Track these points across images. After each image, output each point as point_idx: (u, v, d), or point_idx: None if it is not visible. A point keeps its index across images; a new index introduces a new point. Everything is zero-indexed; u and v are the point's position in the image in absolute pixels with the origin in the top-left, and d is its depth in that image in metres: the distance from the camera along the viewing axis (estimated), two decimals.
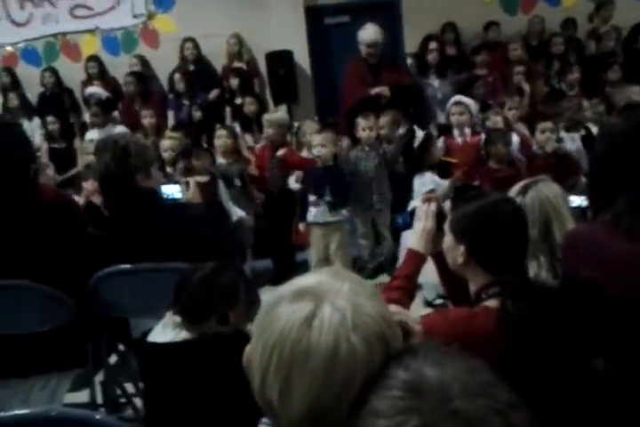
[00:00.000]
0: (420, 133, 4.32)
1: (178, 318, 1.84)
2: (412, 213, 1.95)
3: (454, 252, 1.63)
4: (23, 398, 2.11)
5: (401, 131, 4.58)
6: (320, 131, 4.36)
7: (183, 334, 1.83)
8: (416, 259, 1.83)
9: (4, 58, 7.18)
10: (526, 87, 5.44)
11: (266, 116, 4.84)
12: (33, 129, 6.17)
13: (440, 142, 4.40)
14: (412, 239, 1.86)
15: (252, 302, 1.88)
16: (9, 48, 7.19)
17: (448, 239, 1.66)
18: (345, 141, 4.74)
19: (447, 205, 1.88)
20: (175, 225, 2.42)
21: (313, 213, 4.05)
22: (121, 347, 2.48)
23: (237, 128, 5.45)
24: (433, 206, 1.87)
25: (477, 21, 6.31)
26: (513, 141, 4.21)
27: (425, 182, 3.89)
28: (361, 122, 4.33)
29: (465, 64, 5.95)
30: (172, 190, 2.87)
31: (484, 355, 1.45)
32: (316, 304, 0.86)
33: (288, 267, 4.42)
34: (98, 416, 1.16)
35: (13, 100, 6.37)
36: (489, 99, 5.42)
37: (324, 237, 4.10)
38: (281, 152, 4.44)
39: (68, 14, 7.08)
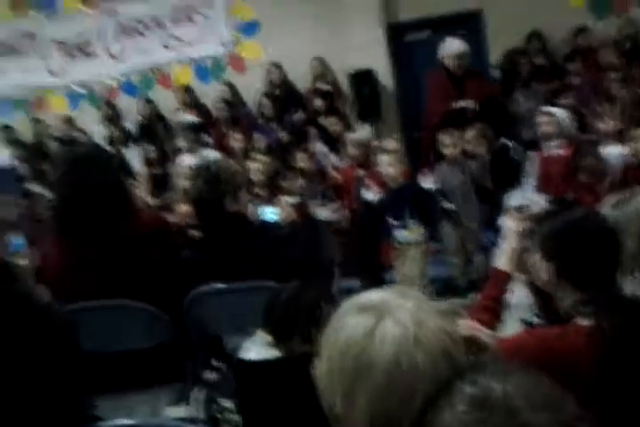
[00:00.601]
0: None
1: (269, 337, 1.91)
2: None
3: (542, 269, 1.60)
4: (127, 412, 2.22)
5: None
6: (386, 151, 4.31)
7: (273, 352, 1.90)
8: (502, 278, 1.82)
9: (104, 91, 7.64)
10: (621, 94, 5.20)
11: (349, 137, 4.90)
12: (133, 157, 6.54)
13: (531, 156, 4.28)
14: (498, 258, 1.85)
15: None
16: (109, 81, 7.65)
17: (535, 257, 1.64)
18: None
19: None
20: (263, 245, 2.51)
21: (395, 234, 4.03)
22: (217, 363, 2.57)
23: (322, 148, 5.55)
24: (520, 225, 1.85)
25: (564, 27, 6.14)
26: (615, 152, 4.02)
27: (517, 198, 3.79)
28: (444, 139, 4.30)
29: (556, 73, 5.78)
30: (269, 212, 2.98)
31: (574, 373, 1.43)
32: (378, 318, 0.90)
33: (376, 287, 4.41)
34: None
35: (113, 132, 6.76)
36: (581, 108, 5.22)
37: (403, 256, 4.10)
38: (361, 173, 4.46)
39: (161, 46, 7.47)
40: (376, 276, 4.55)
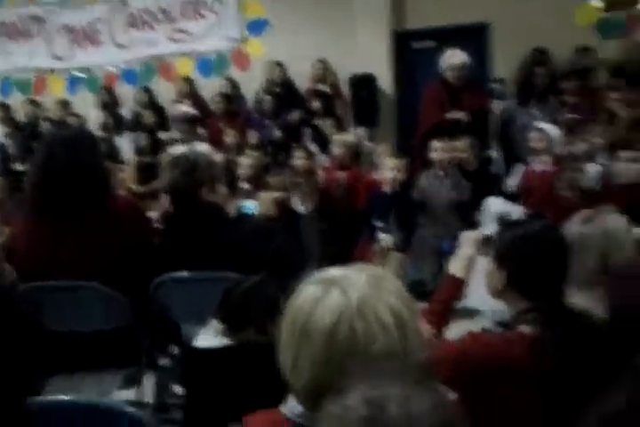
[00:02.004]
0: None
1: (220, 325, 1.91)
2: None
3: (494, 277, 1.64)
4: (76, 391, 2.22)
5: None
6: (395, 155, 4.37)
7: (224, 341, 1.89)
8: (454, 284, 1.84)
9: (106, 78, 7.67)
10: (622, 113, 5.19)
11: (335, 137, 4.93)
12: (125, 144, 6.55)
13: (520, 169, 4.30)
14: (452, 264, 1.88)
15: None
16: (111, 68, 7.67)
17: (489, 264, 1.67)
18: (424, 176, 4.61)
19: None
20: (234, 237, 2.50)
21: (379, 236, 4.05)
22: (174, 350, 2.57)
23: (314, 149, 5.55)
24: (477, 234, 1.88)
25: (570, 46, 6.15)
26: (593, 171, 4.04)
27: (497, 206, 3.81)
28: (434, 143, 4.30)
29: (553, 91, 5.78)
30: (249, 206, 2.98)
31: (517, 379, 1.44)
32: (327, 288, 0.96)
33: None
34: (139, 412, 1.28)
35: (107, 118, 6.77)
36: (576, 126, 5.23)
37: (383, 259, 4.09)
38: (343, 176, 4.46)
39: (167, 38, 7.50)
40: None
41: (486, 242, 1.86)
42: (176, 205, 2.67)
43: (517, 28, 6.27)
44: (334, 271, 1.03)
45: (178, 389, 2.36)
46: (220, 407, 1.86)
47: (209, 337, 1.93)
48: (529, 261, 1.58)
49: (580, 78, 5.68)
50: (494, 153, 4.48)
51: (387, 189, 4.06)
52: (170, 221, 2.75)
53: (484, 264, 1.87)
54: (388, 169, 4.05)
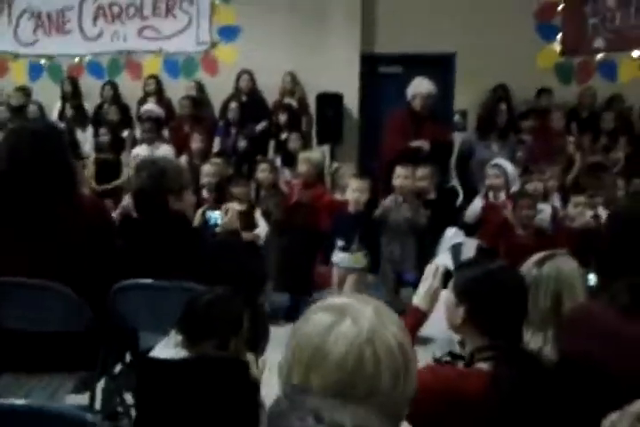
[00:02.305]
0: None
1: (179, 337, 1.92)
2: (422, 270, 2.02)
3: (454, 312, 1.70)
4: (26, 392, 2.19)
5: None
6: (360, 176, 4.43)
7: (182, 353, 1.90)
8: (417, 315, 1.89)
9: (69, 68, 7.53)
10: (577, 157, 5.44)
11: (302, 154, 4.97)
12: (85, 139, 6.43)
13: (477, 203, 4.42)
14: (416, 296, 1.93)
15: (258, 334, 1.94)
16: (76, 59, 7.54)
17: (449, 299, 1.73)
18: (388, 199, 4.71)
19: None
20: (197, 248, 2.51)
21: (339, 256, 4.12)
22: (128, 358, 2.56)
23: (278, 162, 5.60)
24: (441, 267, 1.95)
25: (530, 86, 6.40)
26: (545, 212, 4.22)
27: (454, 237, 3.93)
28: (398, 170, 4.41)
29: (512, 128, 6.00)
30: (214, 216, 2.96)
31: (472, 415, 1.51)
32: (339, 316, 1.03)
33: (305, 304, 4.44)
34: (89, 418, 1.23)
35: (69, 110, 6.64)
36: (530, 164, 5.44)
37: (343, 280, 4.17)
38: (307, 194, 4.52)
39: (136, 34, 7.44)
40: (307, 294, 4.58)
41: (447, 275, 1.93)
42: (140, 210, 2.64)
43: (482, 62, 6.48)
44: (339, 300, 1.10)
45: (129, 397, 2.35)
46: (170, 420, 1.87)
47: (167, 348, 1.93)
48: (489, 299, 1.64)
49: (539, 118, 5.93)
50: (455, 183, 4.61)
51: (351, 209, 4.13)
52: (132, 225, 2.73)
53: (445, 297, 1.96)
54: (351, 190, 4.12)
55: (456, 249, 3.85)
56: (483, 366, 1.61)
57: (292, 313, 4.36)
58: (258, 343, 2.54)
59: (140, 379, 2.00)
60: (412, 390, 1.07)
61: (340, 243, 4.09)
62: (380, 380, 1.01)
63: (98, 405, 2.37)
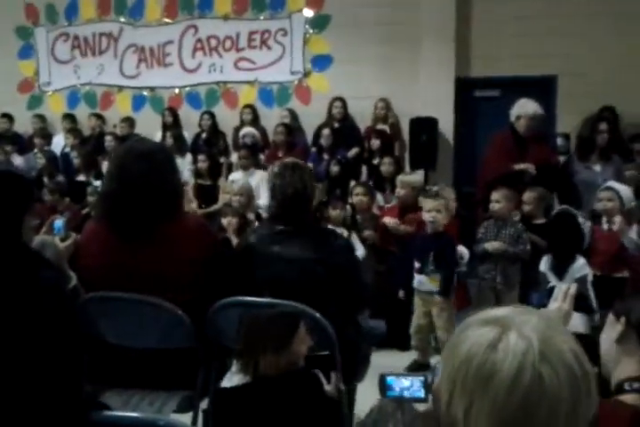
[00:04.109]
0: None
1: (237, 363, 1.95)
2: (550, 291, 1.87)
3: (611, 329, 1.56)
4: (133, 409, 2.18)
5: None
6: (433, 196, 4.27)
7: (243, 379, 1.94)
8: None
9: (170, 99, 7.85)
10: None
11: (400, 177, 4.88)
12: (184, 165, 6.63)
13: (587, 228, 4.18)
14: None
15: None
16: (176, 91, 7.86)
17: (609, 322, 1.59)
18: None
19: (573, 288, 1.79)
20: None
21: (417, 280, 4.00)
22: None
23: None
24: (574, 289, 1.79)
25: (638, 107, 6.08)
26: None
27: (582, 268, 3.67)
28: (493, 194, 4.26)
29: (622, 151, 5.67)
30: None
31: None
32: (502, 330, 0.91)
33: (401, 329, 4.30)
34: None
35: (169, 139, 6.89)
36: None
37: (424, 304, 4.03)
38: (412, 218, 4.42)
39: (233, 65, 7.67)
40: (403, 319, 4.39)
41: (579, 298, 1.78)
42: (290, 213, 2.55)
43: (585, 84, 6.24)
44: (497, 311, 0.97)
45: None
46: None
47: (234, 376, 1.96)
48: None
49: None
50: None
51: (429, 231, 4.01)
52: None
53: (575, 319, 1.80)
54: (430, 211, 4.00)
55: (582, 281, 3.58)
56: (628, 398, 1.43)
57: (385, 340, 4.23)
58: (355, 368, 2.45)
59: (215, 409, 2.02)
60: (593, 409, 0.90)
61: (416, 264, 3.96)
62: (560, 403, 0.86)
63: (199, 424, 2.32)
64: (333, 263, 2.42)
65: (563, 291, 1.79)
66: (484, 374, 0.88)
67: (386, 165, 5.66)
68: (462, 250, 4.13)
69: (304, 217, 2.55)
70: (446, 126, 6.67)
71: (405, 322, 4.22)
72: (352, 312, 2.63)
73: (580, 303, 1.82)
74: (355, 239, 4.18)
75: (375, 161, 6.09)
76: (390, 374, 1.43)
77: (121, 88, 8.06)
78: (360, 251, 4.14)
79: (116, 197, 2.34)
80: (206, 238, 2.44)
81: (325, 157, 6.33)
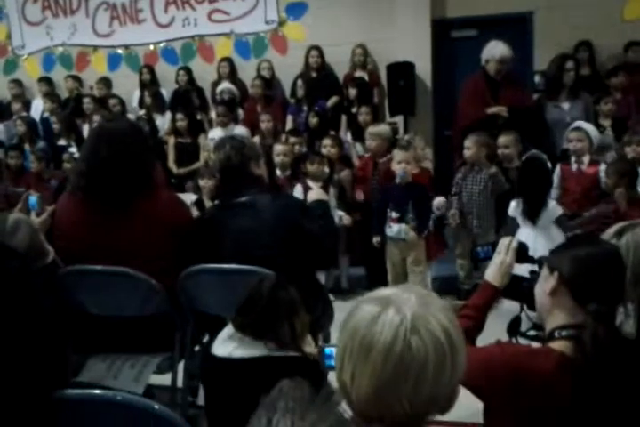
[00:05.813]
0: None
1: (238, 333, 1.87)
2: (494, 245, 1.95)
3: (545, 282, 1.61)
4: (115, 373, 2.32)
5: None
6: (404, 148, 4.30)
7: (239, 351, 1.85)
8: (490, 291, 1.84)
9: (146, 56, 7.74)
10: None
11: (369, 129, 4.90)
12: (164, 123, 6.63)
13: (556, 169, 4.25)
14: (488, 271, 1.87)
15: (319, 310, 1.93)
16: (151, 47, 7.74)
17: (545, 274, 1.64)
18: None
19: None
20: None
21: (393, 229, 4.11)
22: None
23: (349, 136, 5.54)
24: (515, 242, 1.87)
25: (616, 41, 6.02)
26: None
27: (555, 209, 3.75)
28: (464, 141, 4.32)
29: (599, 86, 5.66)
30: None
31: (536, 394, 1.45)
32: (383, 307, 1.06)
33: (381, 274, 4.42)
34: (157, 406, 1.26)
35: (147, 98, 6.84)
36: (620, 119, 5.09)
37: (401, 253, 4.16)
38: (383, 160, 4.47)
39: (207, 18, 7.52)
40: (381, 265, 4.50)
41: (521, 249, 1.86)
42: (227, 180, 2.65)
43: (562, 21, 6.14)
44: (386, 290, 1.12)
45: None
46: (237, 411, 1.86)
47: (226, 343, 1.89)
48: (592, 283, 1.55)
49: (629, 74, 5.54)
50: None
51: (398, 181, 4.12)
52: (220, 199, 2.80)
53: (519, 270, 1.89)
54: (396, 162, 4.06)
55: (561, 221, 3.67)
56: (557, 345, 1.54)
57: (371, 284, 4.37)
58: (319, 320, 2.54)
59: (205, 373, 2.00)
60: (458, 378, 1.06)
61: (394, 214, 4.05)
62: (426, 368, 1.02)
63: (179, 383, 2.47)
64: (289, 227, 2.49)
65: (505, 244, 1.87)
66: (365, 344, 1.04)
67: (363, 115, 5.65)
68: (440, 200, 4.24)
69: (245, 189, 2.59)
70: (424, 70, 6.60)
71: (383, 269, 4.37)
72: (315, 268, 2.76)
73: (524, 255, 1.90)
74: (332, 194, 4.25)
75: (354, 110, 6.07)
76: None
77: (96, 48, 7.93)
78: (333, 204, 4.20)
79: (86, 176, 2.43)
80: (177, 213, 2.54)
81: (304, 108, 6.30)
